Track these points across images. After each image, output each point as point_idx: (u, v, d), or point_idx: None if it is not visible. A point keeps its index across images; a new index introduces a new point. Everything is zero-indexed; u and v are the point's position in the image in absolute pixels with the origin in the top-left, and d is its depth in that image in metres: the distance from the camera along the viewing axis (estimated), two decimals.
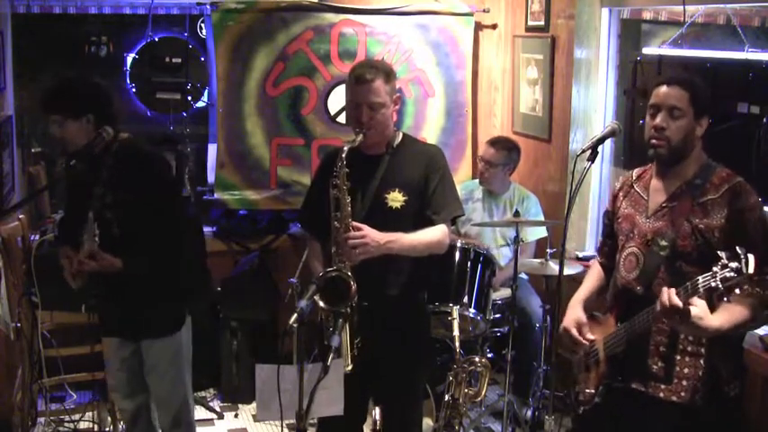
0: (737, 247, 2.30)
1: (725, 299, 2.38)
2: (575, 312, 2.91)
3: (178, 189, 3.55)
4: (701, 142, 2.71)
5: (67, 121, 3.18)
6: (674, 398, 2.67)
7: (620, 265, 2.81)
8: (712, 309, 2.49)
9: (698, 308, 2.43)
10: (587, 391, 2.87)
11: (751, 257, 2.26)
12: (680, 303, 2.39)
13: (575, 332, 2.87)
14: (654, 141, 2.66)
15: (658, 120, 2.64)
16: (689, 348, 2.66)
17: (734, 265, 2.28)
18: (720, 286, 2.31)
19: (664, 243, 2.65)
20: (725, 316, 2.50)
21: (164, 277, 3.32)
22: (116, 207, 3.17)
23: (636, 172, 2.92)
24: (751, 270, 2.25)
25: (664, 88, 2.66)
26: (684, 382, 2.66)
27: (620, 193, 2.91)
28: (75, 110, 3.19)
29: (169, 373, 3.42)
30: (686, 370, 2.66)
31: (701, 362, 2.65)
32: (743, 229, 2.54)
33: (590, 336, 2.87)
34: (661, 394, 2.68)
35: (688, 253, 2.62)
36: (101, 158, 3.23)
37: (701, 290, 2.36)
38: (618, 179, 3.05)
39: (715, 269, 2.32)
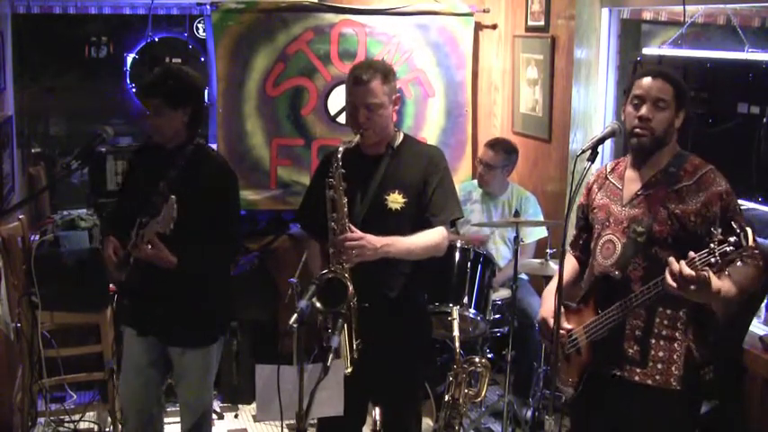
0: (732, 223, 2.38)
1: (726, 272, 2.45)
2: (551, 302, 2.93)
3: (239, 202, 3.45)
4: (676, 134, 2.77)
5: (165, 109, 3.13)
6: (649, 381, 2.71)
7: (596, 252, 2.86)
8: None
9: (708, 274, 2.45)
10: (570, 380, 2.90)
11: (749, 230, 2.35)
12: (693, 273, 2.41)
13: (552, 322, 2.88)
14: (638, 131, 2.72)
15: (644, 111, 2.70)
16: (664, 332, 2.71)
17: (732, 239, 2.35)
18: (720, 261, 2.38)
19: (640, 229, 2.71)
20: (731, 280, 2.53)
21: (214, 283, 3.30)
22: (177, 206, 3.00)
23: (609, 164, 2.99)
24: (750, 242, 2.34)
25: (648, 80, 2.72)
26: (659, 366, 2.70)
27: (595, 186, 2.97)
28: (176, 99, 3.14)
29: (198, 382, 3.36)
30: (661, 353, 2.71)
31: (676, 345, 2.70)
32: (724, 212, 2.61)
33: (567, 325, 2.90)
34: (636, 378, 2.73)
35: (664, 238, 2.68)
36: (172, 157, 3.19)
37: (699, 266, 2.41)
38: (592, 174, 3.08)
39: (712, 245, 2.39)
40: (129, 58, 5.25)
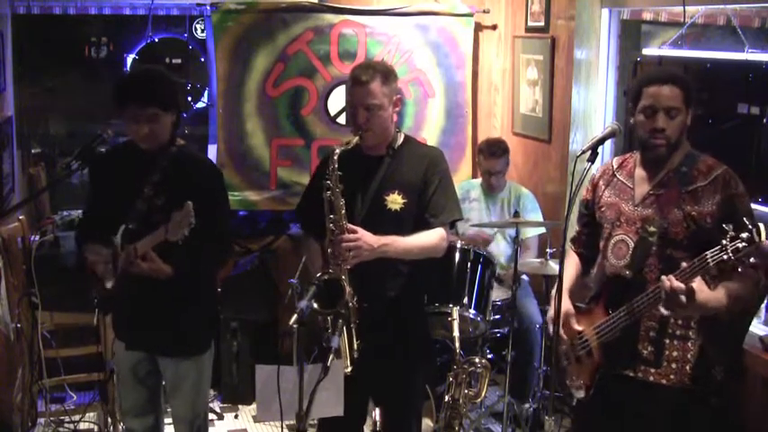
0: (744, 219, 2.37)
1: (739, 269, 2.43)
2: (562, 304, 2.91)
3: (227, 201, 3.34)
4: (686, 132, 2.75)
5: (161, 114, 2.99)
6: (664, 381, 2.71)
7: (608, 252, 2.83)
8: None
9: (697, 285, 2.46)
10: (582, 382, 2.89)
11: (762, 226, 2.33)
12: (682, 285, 2.44)
13: (562, 324, 2.87)
14: (654, 142, 2.69)
15: (660, 123, 2.66)
16: (678, 332, 2.71)
17: (745, 235, 2.34)
18: (732, 257, 2.36)
19: (652, 229, 2.70)
20: (724, 290, 2.54)
21: (203, 290, 3.20)
22: (166, 211, 2.92)
23: (616, 160, 2.95)
24: (764, 238, 2.32)
25: (656, 88, 2.67)
26: (674, 365, 2.71)
27: (601, 182, 2.93)
28: (168, 101, 3.03)
29: (193, 394, 3.26)
30: (675, 353, 2.71)
31: (690, 345, 2.71)
32: (734, 215, 2.57)
33: (577, 326, 2.89)
34: (651, 378, 2.73)
35: (679, 240, 2.67)
36: (153, 159, 3.06)
37: (711, 264, 2.41)
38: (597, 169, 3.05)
39: (724, 242, 2.37)
40: (130, 59, 5.25)
